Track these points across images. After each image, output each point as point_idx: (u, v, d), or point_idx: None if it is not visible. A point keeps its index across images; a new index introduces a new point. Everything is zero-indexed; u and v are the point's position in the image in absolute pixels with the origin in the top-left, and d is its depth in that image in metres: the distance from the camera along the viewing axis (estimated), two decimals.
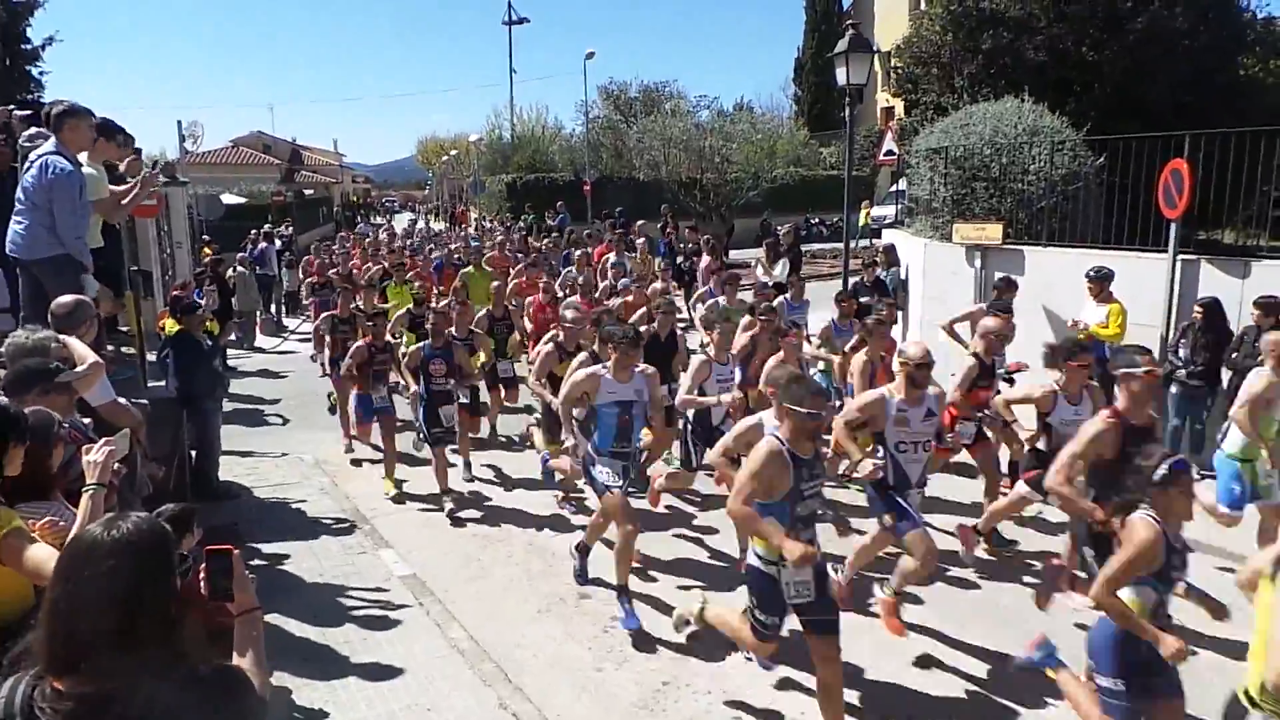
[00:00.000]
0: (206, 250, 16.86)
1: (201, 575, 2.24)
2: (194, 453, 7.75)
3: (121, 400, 4.81)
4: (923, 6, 25.11)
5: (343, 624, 5.55)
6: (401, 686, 4.84)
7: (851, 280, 11.31)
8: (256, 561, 6.34)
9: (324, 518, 7.43)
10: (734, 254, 24.07)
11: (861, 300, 10.59)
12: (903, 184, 14.15)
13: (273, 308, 18.95)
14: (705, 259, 14.82)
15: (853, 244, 13.58)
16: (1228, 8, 16.00)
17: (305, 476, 8.57)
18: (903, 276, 11.46)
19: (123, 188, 6.28)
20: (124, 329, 7.46)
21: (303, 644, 5.30)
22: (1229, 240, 11.41)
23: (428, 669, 5.02)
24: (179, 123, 19.47)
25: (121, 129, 6.24)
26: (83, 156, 5.70)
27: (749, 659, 5.06)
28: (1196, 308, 7.70)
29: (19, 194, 5.50)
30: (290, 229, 27.62)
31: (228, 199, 28.72)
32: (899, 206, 14.10)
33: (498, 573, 6.41)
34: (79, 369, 4.23)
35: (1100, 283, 8.27)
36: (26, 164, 5.59)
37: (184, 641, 1.88)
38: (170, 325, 8.55)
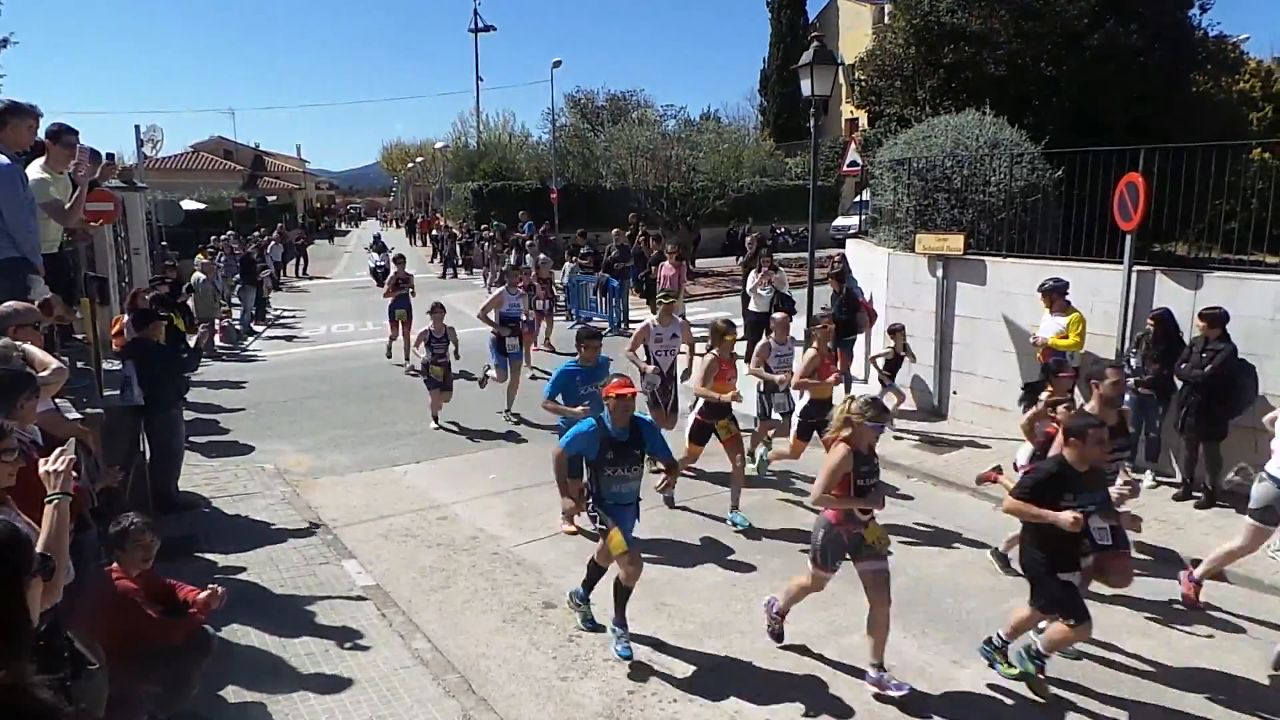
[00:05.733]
0: (202, 255, 17.18)
1: None
2: (150, 461, 7.61)
3: (63, 410, 4.71)
4: (886, 20, 25.44)
5: (304, 635, 5.47)
6: (364, 699, 4.78)
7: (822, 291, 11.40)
8: (216, 574, 6.24)
9: (285, 528, 7.32)
10: (700, 262, 24.18)
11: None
12: (867, 195, 14.31)
13: (236, 313, 18.69)
14: (667, 267, 14.90)
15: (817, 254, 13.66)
16: (1180, 27, 16.40)
17: (266, 486, 8.44)
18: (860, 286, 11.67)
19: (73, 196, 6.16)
20: (79, 337, 7.31)
21: (263, 656, 5.22)
22: (1182, 252, 11.67)
23: (390, 680, 4.97)
24: (137, 127, 19.24)
25: (71, 131, 6.09)
26: (36, 164, 5.59)
27: (712, 671, 5.10)
28: (1150, 319, 7.87)
29: None
30: (270, 235, 27.50)
31: (188, 205, 28.35)
32: (863, 217, 14.25)
33: (461, 583, 6.36)
34: (44, 374, 4.14)
35: (1053, 295, 8.44)
36: None
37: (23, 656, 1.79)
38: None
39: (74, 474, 3.29)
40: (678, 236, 24.54)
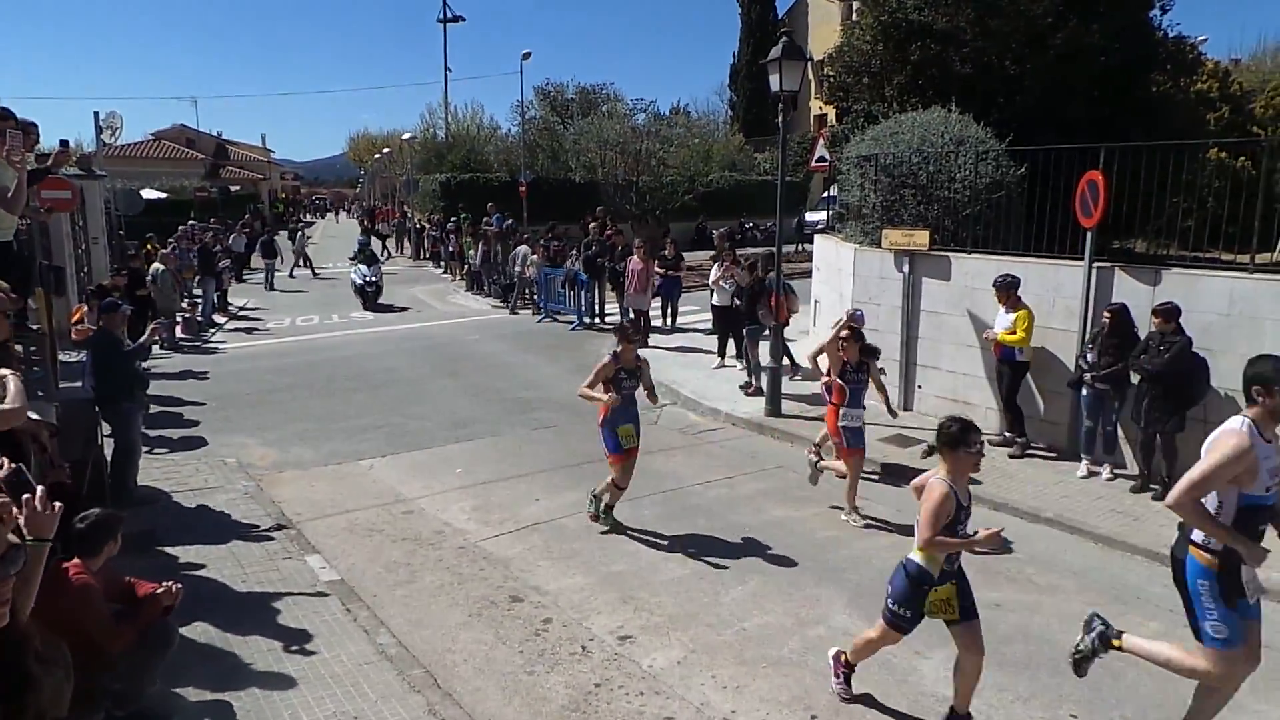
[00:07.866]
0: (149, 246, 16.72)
1: None
2: (110, 456, 7.47)
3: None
4: (854, 17, 25.59)
5: (267, 632, 5.40)
6: (328, 695, 4.74)
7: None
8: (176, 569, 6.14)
9: (247, 523, 7.22)
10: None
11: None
12: (834, 190, 14.41)
13: (199, 306, 18.39)
14: (635, 260, 14.98)
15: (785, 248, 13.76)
16: (1141, 27, 16.64)
17: (228, 480, 8.32)
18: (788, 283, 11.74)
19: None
20: (34, 327, 7.15)
21: (225, 653, 5.15)
22: (1141, 249, 11.88)
23: (355, 676, 4.92)
24: (96, 114, 18.97)
25: (4, 117, 5.91)
26: None
27: (678, 663, 5.12)
28: (1105, 312, 7.99)
29: None
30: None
31: (148, 194, 27.81)
32: (830, 212, 14.35)
33: (427, 578, 6.32)
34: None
35: (1005, 291, 8.57)
36: None
37: None
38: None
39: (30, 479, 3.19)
40: (646, 231, 24.55)
